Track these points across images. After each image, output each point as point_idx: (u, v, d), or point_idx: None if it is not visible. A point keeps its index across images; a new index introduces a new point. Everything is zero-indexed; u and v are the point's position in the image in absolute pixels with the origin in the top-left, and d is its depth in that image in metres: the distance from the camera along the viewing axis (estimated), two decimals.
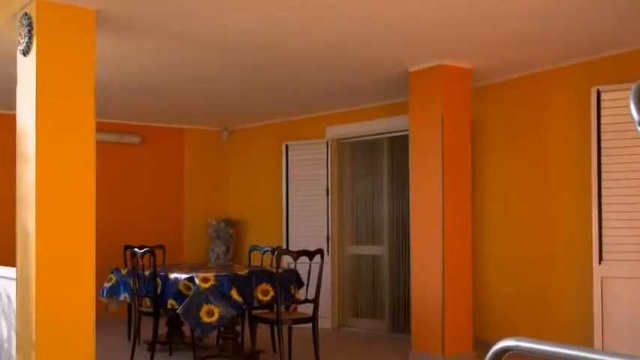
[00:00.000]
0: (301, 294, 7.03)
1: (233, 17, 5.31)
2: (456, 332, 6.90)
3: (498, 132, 7.58)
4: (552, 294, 6.99)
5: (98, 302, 5.60)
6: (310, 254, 6.69)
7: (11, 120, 5.57)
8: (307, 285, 6.84)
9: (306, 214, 9.53)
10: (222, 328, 6.95)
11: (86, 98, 5.02)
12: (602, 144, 6.00)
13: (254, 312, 7.03)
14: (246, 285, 6.48)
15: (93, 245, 5.03)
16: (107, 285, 7.51)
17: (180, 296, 6.44)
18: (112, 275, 7.54)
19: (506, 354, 1.70)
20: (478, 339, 7.14)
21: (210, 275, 6.36)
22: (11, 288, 5.26)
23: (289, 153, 9.78)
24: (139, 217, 10.36)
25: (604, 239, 5.98)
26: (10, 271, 5.29)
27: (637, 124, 2.08)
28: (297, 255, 6.65)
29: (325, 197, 9.31)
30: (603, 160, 5.99)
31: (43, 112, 4.84)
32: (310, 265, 6.77)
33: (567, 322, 6.80)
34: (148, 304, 7.00)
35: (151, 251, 6.88)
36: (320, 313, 6.95)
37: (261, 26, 5.56)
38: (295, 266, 7.09)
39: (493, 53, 6.55)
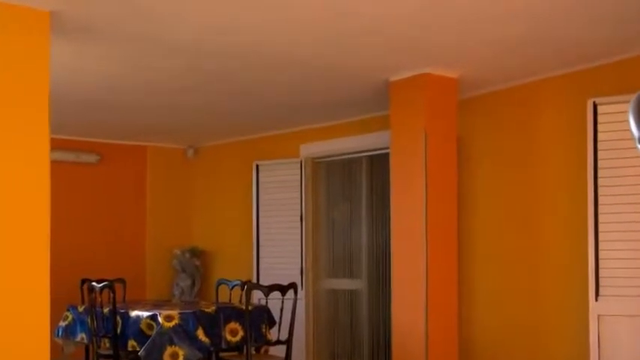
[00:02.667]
0: (273, 334, 7.00)
1: (199, 21, 5.29)
2: None
3: (486, 149, 7.53)
4: (545, 332, 6.93)
5: (53, 343, 5.53)
6: (283, 289, 6.70)
7: None
8: (280, 323, 6.84)
9: (279, 243, 9.50)
10: None
11: (40, 112, 4.95)
12: (599, 163, 5.96)
13: (222, 354, 6.99)
14: (213, 324, 6.48)
15: (47, 279, 4.95)
16: (63, 324, 7.47)
17: (141, 336, 6.42)
18: (68, 313, 7.50)
19: None
20: None
21: (175, 313, 6.35)
22: None
23: (260, 174, 9.77)
24: (97, 246, 10.25)
25: (601, 272, 5.93)
26: None
27: (637, 141, 2.10)
28: (268, 290, 6.65)
29: (299, 224, 9.32)
30: (600, 181, 5.96)
31: None
32: (283, 301, 6.77)
33: None
34: (107, 345, 6.95)
35: (111, 286, 6.85)
36: (293, 356, 6.92)
37: (230, 31, 5.54)
38: (267, 302, 7.09)
39: (481, 61, 6.52)
